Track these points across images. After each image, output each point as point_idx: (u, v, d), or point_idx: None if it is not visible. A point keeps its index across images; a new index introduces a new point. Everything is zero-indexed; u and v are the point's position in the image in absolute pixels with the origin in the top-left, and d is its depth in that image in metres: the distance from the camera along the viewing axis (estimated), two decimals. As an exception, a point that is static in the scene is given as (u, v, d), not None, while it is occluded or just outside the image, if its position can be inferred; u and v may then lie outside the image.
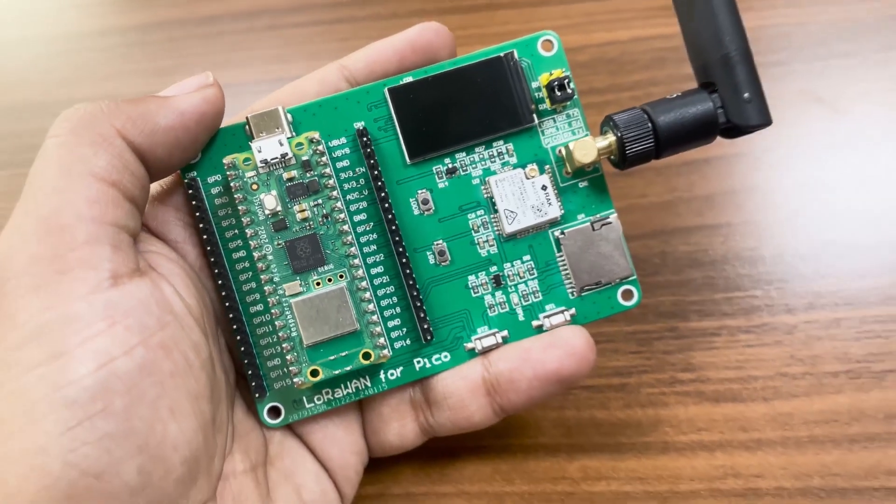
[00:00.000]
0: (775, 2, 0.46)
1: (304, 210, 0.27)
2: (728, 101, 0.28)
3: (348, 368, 0.27)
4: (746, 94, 0.28)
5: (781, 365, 0.33)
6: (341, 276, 0.27)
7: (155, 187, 0.28)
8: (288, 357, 0.27)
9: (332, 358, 0.27)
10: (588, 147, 0.28)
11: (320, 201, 0.27)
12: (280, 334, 0.27)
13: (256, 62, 0.50)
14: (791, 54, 0.43)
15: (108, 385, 0.22)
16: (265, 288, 0.27)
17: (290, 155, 0.27)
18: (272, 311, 0.27)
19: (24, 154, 0.47)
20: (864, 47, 0.43)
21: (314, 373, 0.27)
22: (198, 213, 0.27)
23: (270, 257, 0.27)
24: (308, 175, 0.27)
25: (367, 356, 0.27)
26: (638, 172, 0.39)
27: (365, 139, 0.28)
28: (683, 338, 0.34)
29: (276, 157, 0.27)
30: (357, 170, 0.29)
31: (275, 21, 0.51)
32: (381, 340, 0.27)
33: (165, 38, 0.52)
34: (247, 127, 0.28)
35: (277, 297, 0.27)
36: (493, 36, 0.48)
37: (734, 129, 0.28)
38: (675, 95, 0.28)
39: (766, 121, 0.28)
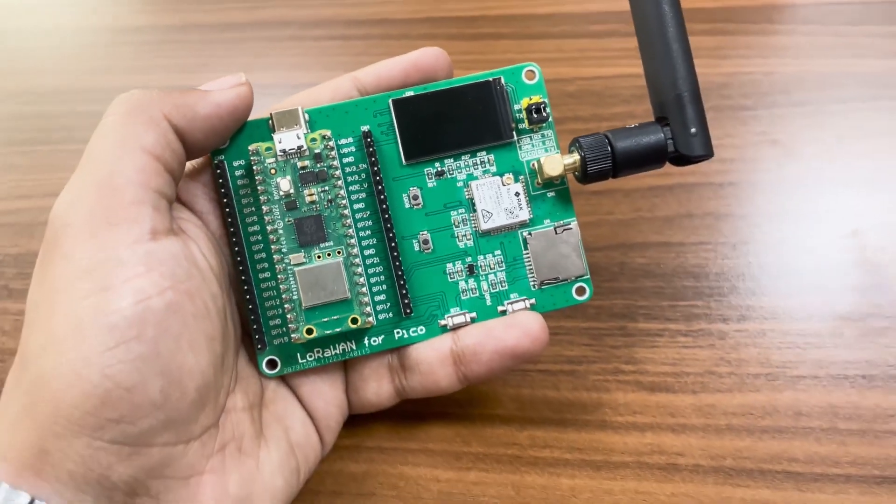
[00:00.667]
0: (749, 52, 0.52)
1: (312, 194, 0.32)
2: (677, 134, 0.33)
3: (338, 330, 0.32)
4: (693, 130, 0.33)
5: (711, 365, 0.38)
6: (339, 253, 0.32)
7: (188, 166, 0.33)
8: (288, 316, 0.32)
9: (325, 320, 0.32)
10: (556, 162, 0.33)
11: (327, 188, 0.32)
12: (283, 297, 0.32)
13: (278, 68, 0.55)
14: (757, 100, 0.49)
15: (143, 317, 0.27)
16: (274, 257, 0.32)
17: (305, 147, 0.32)
18: (278, 276, 0.32)
19: (59, 133, 0.52)
20: (820, 98, 0.48)
21: (309, 331, 0.32)
22: (222, 191, 0.32)
23: (281, 231, 0.32)
24: (318, 165, 0.32)
25: (354, 321, 0.32)
26: (607, 193, 0.45)
27: (369, 140, 0.33)
28: (630, 336, 0.39)
29: (293, 149, 0.32)
30: (360, 166, 0.34)
31: (297, 33, 0.57)
32: (368, 309, 0.32)
33: (196, 39, 0.58)
34: (270, 121, 0.33)
35: (284, 266, 0.32)
36: (493, 62, 0.53)
37: (681, 159, 0.33)
38: (633, 126, 0.33)
39: (708, 153, 0.33)
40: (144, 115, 0.30)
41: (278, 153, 0.32)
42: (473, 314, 0.34)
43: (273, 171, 0.32)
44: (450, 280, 0.34)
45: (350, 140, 0.34)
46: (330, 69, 0.55)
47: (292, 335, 0.32)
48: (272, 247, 0.32)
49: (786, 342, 0.38)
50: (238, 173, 0.33)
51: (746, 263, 0.41)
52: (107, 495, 0.27)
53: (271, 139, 0.32)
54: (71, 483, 0.26)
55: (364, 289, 0.33)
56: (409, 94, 0.34)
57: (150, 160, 0.29)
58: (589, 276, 0.34)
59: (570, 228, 0.34)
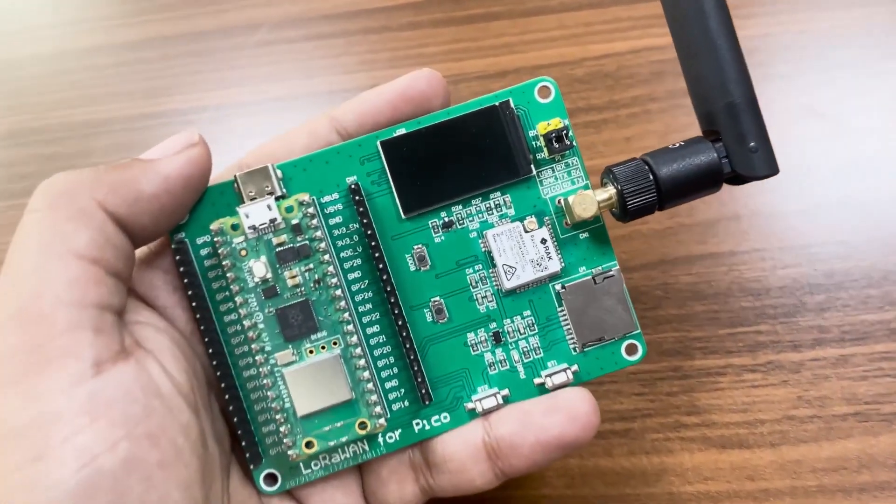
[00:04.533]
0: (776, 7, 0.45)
1: (295, 276, 0.26)
2: (733, 150, 0.27)
3: (344, 439, 0.26)
4: (752, 144, 0.27)
5: (789, 407, 0.32)
6: (335, 343, 0.26)
7: (142, 249, 0.27)
8: (282, 429, 0.26)
9: (326, 429, 0.26)
10: (588, 201, 0.27)
11: (312, 266, 0.26)
12: (273, 405, 0.26)
13: (250, 81, 0.49)
14: (794, 66, 0.42)
15: (93, 484, 0.21)
16: (256, 357, 0.26)
17: (280, 219, 0.26)
18: (264, 381, 0.26)
19: (19, 184, 0.47)
20: (865, 57, 0.42)
21: (309, 444, 0.26)
22: (186, 279, 0.26)
23: (261, 326, 0.26)
24: (299, 239, 0.26)
25: (363, 426, 0.26)
26: (639, 200, 0.38)
27: (357, 195, 0.27)
28: (688, 378, 0.33)
29: (265, 223, 0.26)
30: (351, 226, 0.28)
31: (267, 36, 0.50)
32: (378, 409, 0.27)
33: (158, 55, 0.51)
34: (235, 186, 0.27)
35: (269, 367, 0.26)
36: (488, 49, 0.47)
37: (739, 178, 0.27)
38: (677, 145, 0.27)
39: (772, 171, 0.27)
40: (73, 207, 0.24)
41: (247, 230, 0.26)
42: (505, 391, 0.28)
43: (244, 253, 0.26)
44: (473, 353, 0.28)
45: (335, 196, 0.28)
46: (309, 76, 0.48)
47: (289, 452, 0.26)
48: (253, 346, 0.26)
49: (872, 369, 0.32)
50: (204, 252, 0.27)
51: (812, 271, 0.35)
52: None
53: (237, 213, 0.26)
54: None
55: (370, 384, 0.27)
56: (401, 131, 0.28)
57: (84, 267, 0.23)
58: (640, 331, 0.28)
59: (612, 276, 0.28)
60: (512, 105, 0.28)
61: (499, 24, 0.49)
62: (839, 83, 0.41)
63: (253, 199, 0.27)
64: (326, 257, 0.26)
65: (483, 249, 0.28)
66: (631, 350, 0.29)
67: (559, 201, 0.28)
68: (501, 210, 0.28)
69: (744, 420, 0.32)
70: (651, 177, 0.27)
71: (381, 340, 0.28)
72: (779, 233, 0.36)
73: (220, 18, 0.53)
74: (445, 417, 0.28)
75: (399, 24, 0.50)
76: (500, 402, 0.28)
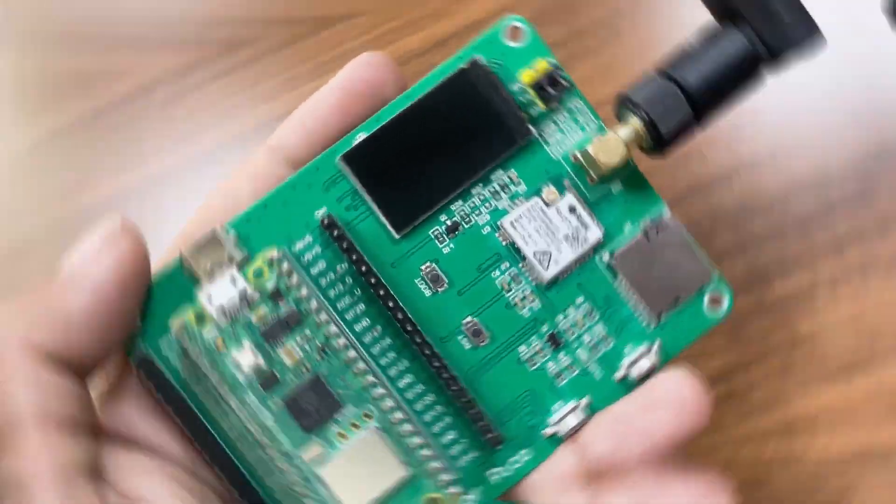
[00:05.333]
0: None
1: (292, 352, 0.21)
2: (763, 30, 0.22)
3: (416, 527, 0.21)
4: (787, 20, 0.21)
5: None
6: (367, 416, 0.21)
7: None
8: (338, 540, 0.21)
9: (391, 520, 0.21)
10: (612, 145, 0.22)
11: (308, 333, 0.21)
12: (318, 515, 0.21)
13: (167, 144, 0.43)
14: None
15: None
16: (279, 465, 0.21)
17: (251, 290, 0.21)
18: (297, 489, 0.21)
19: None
20: None
21: (377, 547, 0.21)
22: (164, 398, 0.21)
23: (271, 425, 0.21)
24: (282, 307, 0.21)
25: (434, 503, 0.21)
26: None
27: (335, 231, 0.22)
28: (776, 308, 0.28)
29: (234, 301, 0.20)
30: (339, 268, 0.22)
31: (169, 92, 0.44)
32: (445, 476, 0.21)
33: (56, 151, 0.45)
34: (184, 265, 0.21)
35: (298, 471, 0.21)
36: (417, 21, 0.41)
37: (779, 59, 0.22)
38: (693, 44, 0.22)
39: (817, 38, 0.22)
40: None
41: (216, 317, 0.20)
42: (587, 400, 0.23)
43: (221, 346, 0.20)
44: (532, 368, 0.23)
45: (308, 239, 0.22)
46: (230, 116, 0.42)
47: (357, 566, 0.21)
48: (269, 451, 0.21)
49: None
50: (174, 356, 0.22)
51: (876, 136, 0.30)
52: None
53: (195, 300, 0.21)
54: None
55: (426, 450, 0.21)
56: (361, 136, 0.22)
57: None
58: (719, 275, 0.23)
59: (667, 224, 0.23)
60: (483, 62, 0.23)
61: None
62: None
63: (211, 275, 0.21)
64: (322, 316, 0.21)
65: (504, 243, 0.23)
66: (715, 302, 0.23)
67: (574, 156, 0.23)
68: (510, 189, 0.23)
69: (857, 342, 0.27)
70: (678, 90, 0.22)
71: (419, 392, 0.22)
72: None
73: (109, 92, 0.46)
74: (526, 454, 0.23)
75: (308, 30, 0.44)
76: (585, 414, 0.23)
